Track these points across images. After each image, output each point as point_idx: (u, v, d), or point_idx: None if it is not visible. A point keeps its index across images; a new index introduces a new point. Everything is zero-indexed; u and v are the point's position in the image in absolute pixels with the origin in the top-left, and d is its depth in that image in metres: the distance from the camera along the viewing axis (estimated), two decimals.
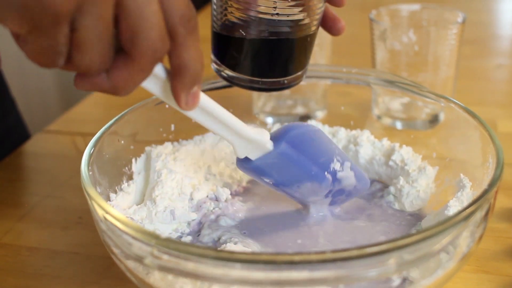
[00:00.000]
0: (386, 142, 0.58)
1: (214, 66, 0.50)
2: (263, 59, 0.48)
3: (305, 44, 0.49)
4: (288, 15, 0.45)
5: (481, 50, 0.99)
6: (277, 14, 0.45)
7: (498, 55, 1.00)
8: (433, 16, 0.72)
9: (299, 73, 0.50)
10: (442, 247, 0.38)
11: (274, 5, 0.45)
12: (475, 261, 0.49)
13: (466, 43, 0.73)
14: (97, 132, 0.50)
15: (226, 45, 0.48)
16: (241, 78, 0.49)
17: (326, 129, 0.61)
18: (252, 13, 0.45)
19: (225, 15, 0.47)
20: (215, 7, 0.47)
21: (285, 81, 0.49)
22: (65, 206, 0.59)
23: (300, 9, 0.45)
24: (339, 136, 0.59)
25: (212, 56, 0.50)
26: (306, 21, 0.47)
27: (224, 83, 0.57)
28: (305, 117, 0.71)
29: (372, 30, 0.69)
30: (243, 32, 0.46)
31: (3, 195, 0.62)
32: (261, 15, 0.45)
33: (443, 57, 0.67)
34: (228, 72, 0.49)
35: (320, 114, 0.72)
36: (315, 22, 0.48)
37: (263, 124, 0.66)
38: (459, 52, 0.68)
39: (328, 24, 0.51)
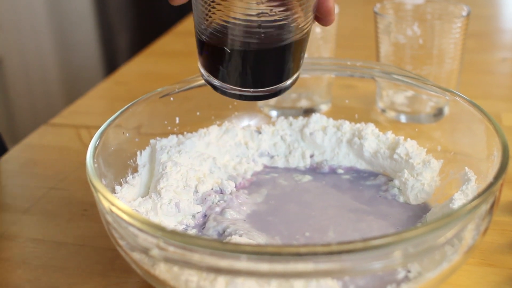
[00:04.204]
0: (390, 136, 0.58)
1: (201, 73, 0.49)
2: (252, 70, 0.46)
3: (297, 49, 0.47)
4: (272, 20, 0.43)
5: (486, 43, 0.99)
6: (262, 13, 0.43)
7: (503, 48, 0.99)
8: (438, 10, 0.72)
9: (293, 78, 0.48)
10: (447, 240, 0.38)
11: (258, 6, 0.42)
12: (479, 254, 0.49)
13: (471, 36, 0.73)
14: (102, 125, 0.50)
15: (210, 56, 0.47)
16: (228, 88, 0.47)
17: (330, 122, 0.61)
18: (235, 16, 0.43)
19: (208, 21, 0.45)
20: (197, 15, 0.46)
21: (281, 87, 0.48)
22: (70, 199, 0.60)
23: (284, 8, 0.43)
24: (344, 129, 0.59)
25: (199, 64, 0.49)
26: (293, 26, 0.45)
27: None
28: (309, 110, 0.71)
29: (376, 23, 0.69)
30: (227, 43, 0.45)
31: (8, 188, 0.62)
32: (245, 17, 0.43)
33: (447, 50, 0.67)
34: (213, 81, 0.48)
35: (324, 107, 0.72)
36: (304, 28, 0.46)
37: (267, 117, 0.66)
38: (464, 45, 0.68)
39: (318, 15, 0.48)
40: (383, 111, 0.71)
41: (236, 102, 0.63)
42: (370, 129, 0.58)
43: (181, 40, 1.08)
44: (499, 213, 0.54)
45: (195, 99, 0.60)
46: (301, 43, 0.47)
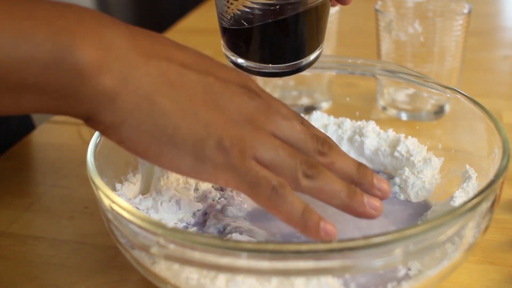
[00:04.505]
0: (391, 133, 0.58)
1: (225, 52, 0.50)
2: (271, 45, 0.47)
3: (314, 23, 0.47)
4: None
5: (487, 41, 0.99)
6: None
7: (504, 46, 0.99)
8: (439, 7, 0.72)
9: (315, 54, 0.49)
10: (448, 238, 0.38)
11: None
12: (480, 252, 0.49)
13: (472, 34, 0.73)
14: None
15: (231, 33, 0.48)
16: (251, 65, 0.48)
17: (331, 120, 0.60)
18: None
19: (227, 6, 0.46)
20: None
21: (302, 63, 0.48)
22: (70, 196, 0.60)
23: None
24: (345, 127, 0.59)
25: (222, 42, 0.49)
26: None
27: None
28: (310, 108, 0.71)
29: (377, 21, 0.69)
30: (244, 17, 0.45)
31: (9, 185, 0.62)
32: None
33: (448, 48, 0.67)
34: (237, 59, 0.49)
35: (325, 105, 0.72)
36: (320, 1, 0.46)
37: None
38: (465, 43, 0.68)
39: None
40: (384, 108, 0.71)
41: None
42: (371, 127, 0.58)
43: (182, 37, 1.08)
44: (500, 211, 0.54)
45: None
46: (318, 18, 0.47)
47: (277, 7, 0.44)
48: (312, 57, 0.49)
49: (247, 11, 0.45)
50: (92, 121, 0.38)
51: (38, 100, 0.36)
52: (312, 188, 0.39)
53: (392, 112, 0.70)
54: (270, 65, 0.48)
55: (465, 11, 0.67)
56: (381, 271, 0.40)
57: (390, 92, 0.70)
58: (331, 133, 0.59)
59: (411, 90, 0.68)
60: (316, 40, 0.49)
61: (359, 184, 0.41)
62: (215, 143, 0.38)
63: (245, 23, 0.46)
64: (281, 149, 0.39)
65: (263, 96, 0.42)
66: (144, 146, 0.38)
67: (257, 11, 0.45)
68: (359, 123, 0.60)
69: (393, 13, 0.71)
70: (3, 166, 0.66)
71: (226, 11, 0.46)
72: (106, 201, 0.40)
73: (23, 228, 0.55)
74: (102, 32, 0.36)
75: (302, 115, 0.61)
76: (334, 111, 0.63)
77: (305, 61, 0.49)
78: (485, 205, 0.39)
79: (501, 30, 1.08)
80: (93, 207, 0.57)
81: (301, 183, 0.39)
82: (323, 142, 0.41)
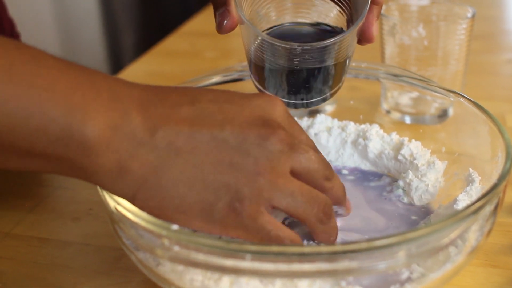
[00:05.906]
0: (395, 137, 0.58)
1: (251, 76, 0.51)
2: (294, 86, 0.48)
3: (335, 71, 0.49)
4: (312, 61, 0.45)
5: (491, 45, 0.99)
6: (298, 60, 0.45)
7: (508, 50, 0.99)
8: (443, 11, 0.72)
9: (339, 85, 0.50)
10: (451, 241, 0.39)
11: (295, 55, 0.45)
12: (483, 255, 0.49)
13: (476, 38, 0.73)
14: None
15: (256, 71, 0.49)
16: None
17: (335, 123, 0.61)
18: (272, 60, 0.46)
19: (251, 49, 0.47)
20: (244, 40, 0.48)
21: (327, 97, 0.49)
22: (75, 198, 0.60)
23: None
24: (349, 130, 0.59)
25: (250, 73, 0.50)
26: (332, 58, 0.47)
27: (234, 77, 0.58)
28: (314, 111, 0.71)
29: (381, 24, 0.69)
30: (267, 67, 0.47)
31: (13, 187, 0.62)
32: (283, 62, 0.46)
33: (452, 51, 0.67)
34: (261, 88, 0.50)
35: (329, 108, 0.72)
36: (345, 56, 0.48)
37: None
38: (469, 47, 0.68)
39: (360, 39, 0.51)
40: (388, 112, 0.71)
41: None
42: (374, 130, 0.58)
43: (186, 40, 1.09)
44: (503, 214, 0.54)
45: None
46: (340, 67, 0.49)
47: (298, 69, 0.46)
48: (335, 88, 0.50)
49: (267, 59, 0.46)
50: (108, 191, 0.39)
51: (47, 166, 0.37)
52: (320, 232, 0.42)
53: (395, 115, 0.70)
54: (294, 101, 0.49)
55: (469, 15, 0.67)
56: (384, 274, 0.40)
57: (394, 95, 0.70)
58: (335, 136, 0.59)
59: (414, 94, 0.68)
60: (340, 76, 0.50)
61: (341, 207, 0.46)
62: (225, 205, 0.38)
63: (266, 68, 0.47)
64: (299, 195, 0.39)
65: (285, 125, 0.41)
66: (155, 214, 0.38)
67: (275, 63, 0.46)
68: (363, 126, 0.60)
69: (397, 17, 0.71)
70: None
71: (250, 51, 0.48)
72: (111, 203, 0.40)
73: (28, 229, 0.55)
74: (114, 108, 0.36)
75: (306, 118, 0.62)
76: (338, 114, 0.63)
77: (330, 94, 0.50)
78: (488, 209, 0.39)
79: (505, 34, 1.08)
80: (97, 209, 0.57)
81: (315, 226, 0.41)
82: (330, 167, 0.43)
